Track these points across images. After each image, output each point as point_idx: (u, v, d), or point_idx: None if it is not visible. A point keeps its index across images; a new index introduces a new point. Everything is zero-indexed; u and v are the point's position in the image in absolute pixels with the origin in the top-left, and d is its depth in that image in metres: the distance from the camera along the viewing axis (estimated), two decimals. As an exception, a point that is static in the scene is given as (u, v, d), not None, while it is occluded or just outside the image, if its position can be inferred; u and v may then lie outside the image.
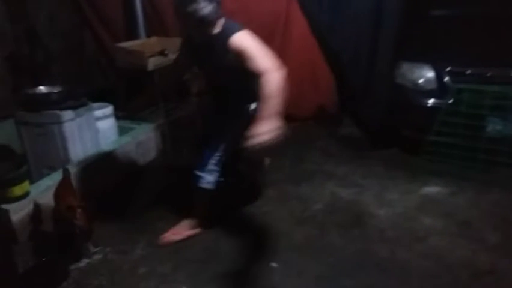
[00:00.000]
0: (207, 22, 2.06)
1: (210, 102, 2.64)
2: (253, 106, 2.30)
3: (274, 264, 2.28)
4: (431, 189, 2.93)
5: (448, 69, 3.17)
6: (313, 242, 2.46)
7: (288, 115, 4.10)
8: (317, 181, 3.11)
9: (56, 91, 2.97)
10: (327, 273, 2.21)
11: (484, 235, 2.43)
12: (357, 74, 3.87)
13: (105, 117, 3.36)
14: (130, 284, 2.17)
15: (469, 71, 3.11)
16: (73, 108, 2.97)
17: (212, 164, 2.39)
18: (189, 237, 2.49)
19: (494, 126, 3.03)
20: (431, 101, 3.20)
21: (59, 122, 2.90)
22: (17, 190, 2.41)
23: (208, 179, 2.39)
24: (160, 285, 2.16)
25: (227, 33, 2.12)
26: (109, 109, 3.41)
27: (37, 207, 2.18)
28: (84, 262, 2.34)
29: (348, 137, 3.85)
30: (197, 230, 2.53)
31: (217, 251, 2.39)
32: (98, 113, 3.28)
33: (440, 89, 3.19)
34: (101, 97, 3.47)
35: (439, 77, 3.20)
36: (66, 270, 2.23)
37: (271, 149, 1.86)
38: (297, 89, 4.17)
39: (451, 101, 3.09)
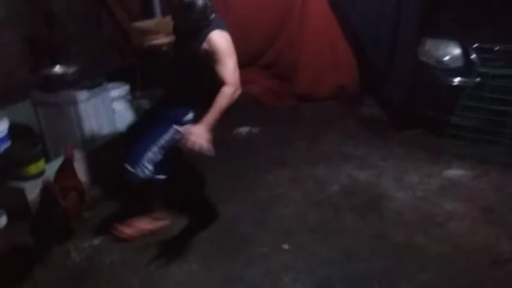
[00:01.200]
0: (199, 14, 2.08)
1: (163, 94, 2.58)
2: (191, 115, 2.25)
3: (286, 246, 2.24)
4: (454, 173, 2.80)
5: (475, 45, 2.98)
6: (327, 224, 2.40)
7: (307, 94, 4.11)
8: (334, 163, 3.03)
9: (71, 71, 2.98)
10: (339, 256, 2.15)
11: (508, 221, 2.31)
12: (379, 52, 3.72)
13: (121, 97, 3.37)
14: (141, 262, 2.17)
15: (497, 48, 2.92)
16: (88, 88, 2.98)
17: (146, 159, 2.18)
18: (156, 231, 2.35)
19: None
20: (457, 79, 3.04)
21: (74, 102, 2.91)
22: (33, 169, 2.44)
23: (140, 174, 2.18)
24: (170, 264, 2.15)
25: (213, 26, 2.12)
26: (125, 89, 3.41)
27: (46, 185, 2.19)
28: (98, 239, 2.36)
29: (369, 118, 3.73)
30: (159, 224, 2.38)
31: (230, 233, 2.36)
32: (114, 93, 3.29)
33: (466, 67, 3.03)
34: (118, 77, 3.47)
35: (465, 54, 3.03)
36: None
37: (198, 154, 1.95)
38: (315, 68, 4.07)
39: (477, 80, 2.93)
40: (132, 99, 3.51)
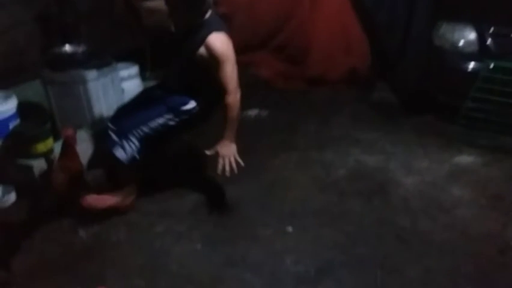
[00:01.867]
0: (198, 7, 2.07)
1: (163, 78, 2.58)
2: (191, 105, 2.25)
3: (289, 229, 2.24)
4: (464, 159, 2.75)
5: (491, 30, 2.89)
6: (333, 208, 2.39)
7: (318, 78, 4.06)
8: (343, 147, 3.00)
9: (80, 51, 2.98)
10: (342, 240, 2.15)
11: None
12: (392, 35, 3.64)
13: (130, 77, 3.37)
14: (147, 240, 2.20)
15: (514, 33, 2.84)
16: (98, 67, 2.98)
17: (132, 136, 2.20)
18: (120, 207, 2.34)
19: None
20: (471, 65, 2.97)
21: (83, 81, 2.92)
22: (41, 146, 2.47)
23: (123, 150, 2.19)
24: (175, 243, 2.18)
25: (209, 27, 2.08)
26: (134, 69, 3.40)
27: (50, 163, 2.21)
28: (105, 218, 2.39)
29: (380, 103, 3.67)
30: (125, 201, 2.36)
31: (234, 214, 2.37)
32: (123, 73, 3.29)
33: (481, 52, 2.94)
34: (128, 57, 3.46)
35: (481, 39, 2.94)
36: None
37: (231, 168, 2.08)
38: (327, 51, 4.00)
39: (491, 66, 2.85)
40: (142, 79, 3.51)
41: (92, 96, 2.99)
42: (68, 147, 2.33)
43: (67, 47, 3.03)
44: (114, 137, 2.21)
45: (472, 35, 3.00)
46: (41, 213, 2.26)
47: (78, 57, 2.94)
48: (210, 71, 2.09)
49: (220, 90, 2.12)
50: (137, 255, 2.10)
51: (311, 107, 3.69)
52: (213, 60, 2.05)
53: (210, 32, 2.06)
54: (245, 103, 3.49)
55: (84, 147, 2.59)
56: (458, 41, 3.04)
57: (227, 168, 2.08)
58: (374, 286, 1.87)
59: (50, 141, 2.53)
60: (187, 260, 2.05)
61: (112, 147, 2.22)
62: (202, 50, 2.07)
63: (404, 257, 2.02)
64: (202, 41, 2.06)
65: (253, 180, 2.64)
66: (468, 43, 3.00)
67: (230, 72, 2.06)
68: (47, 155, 2.49)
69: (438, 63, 3.16)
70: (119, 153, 2.22)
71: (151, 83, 3.62)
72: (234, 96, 2.08)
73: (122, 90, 3.26)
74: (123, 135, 2.20)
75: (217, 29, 2.08)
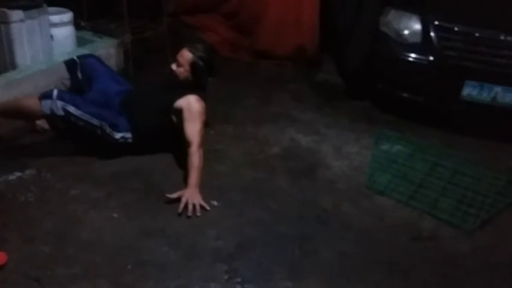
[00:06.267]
0: (204, 81, 2.56)
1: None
2: (123, 134, 2.39)
3: (215, 203, 2.19)
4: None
5: (436, 23, 2.94)
6: (261, 185, 2.37)
7: (265, 51, 3.97)
8: (280, 124, 2.97)
9: (4, -14, 2.66)
10: (267, 218, 2.14)
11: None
12: (344, 16, 3.61)
13: (62, 24, 3.09)
14: (58, 204, 2.06)
15: (456, 29, 2.90)
16: (24, 8, 2.73)
17: (66, 105, 2.26)
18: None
19: (470, 91, 2.89)
20: (413, 55, 3.01)
21: (6, 22, 2.67)
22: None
23: (52, 104, 2.24)
24: (89, 209, 2.05)
25: (195, 90, 2.46)
26: (67, 16, 3.12)
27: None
28: (15, 175, 2.21)
29: (323, 84, 3.68)
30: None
31: (159, 185, 2.26)
32: (54, 18, 3.01)
33: (423, 44, 2.99)
34: (61, 3, 3.16)
35: (425, 30, 2.98)
36: None
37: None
38: (277, 25, 3.92)
39: (431, 59, 2.92)
40: (76, 28, 3.23)
41: (14, 39, 2.74)
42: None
43: (-11, -18, 2.69)
44: (55, 93, 2.25)
45: (417, 26, 3.03)
46: None
47: (1, -7, 2.63)
48: (178, 123, 2.37)
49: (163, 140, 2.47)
50: (46, 219, 1.96)
51: (255, 81, 3.61)
52: (188, 114, 2.34)
53: (193, 92, 2.43)
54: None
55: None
56: (403, 30, 3.07)
57: (190, 208, 2.08)
58: (290, 265, 1.88)
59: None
60: (100, 229, 1.95)
61: (44, 96, 2.26)
62: (182, 101, 2.37)
63: (322, 238, 2.04)
64: (185, 95, 2.39)
65: (184, 150, 2.54)
66: (412, 33, 3.03)
67: (199, 129, 2.32)
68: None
69: (381, 49, 3.18)
70: (45, 103, 2.25)
71: (85, 33, 3.38)
72: (198, 149, 2.26)
73: (51, 37, 2.99)
74: (63, 100, 2.25)
75: (200, 95, 2.44)
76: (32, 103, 2.27)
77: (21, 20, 2.72)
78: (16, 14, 2.68)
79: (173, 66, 2.53)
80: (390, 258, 1.99)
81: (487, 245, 2.11)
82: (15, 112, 2.36)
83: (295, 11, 3.88)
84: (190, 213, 2.08)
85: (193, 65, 2.50)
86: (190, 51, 2.52)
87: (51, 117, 2.27)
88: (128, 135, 2.41)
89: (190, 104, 2.37)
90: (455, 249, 2.07)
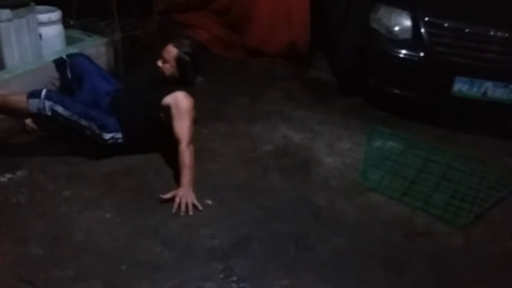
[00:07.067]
0: (192, 78, 2.50)
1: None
2: (113, 135, 2.37)
3: (209, 202, 2.18)
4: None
5: (426, 19, 2.95)
6: (254, 183, 2.36)
7: (256, 49, 3.96)
8: (272, 122, 2.97)
9: (-9, -15, 2.62)
10: (261, 216, 2.13)
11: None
12: (334, 13, 3.62)
13: (51, 22, 3.05)
14: (51, 205, 2.03)
15: (446, 25, 2.91)
16: (12, 7, 2.69)
17: (54, 105, 2.21)
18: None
19: (461, 87, 2.91)
20: (403, 51, 3.02)
21: (-7, 21, 2.61)
22: None
23: (39, 103, 2.19)
24: (83, 210, 2.03)
25: (183, 87, 2.40)
26: (56, 14, 3.09)
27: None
28: (6, 177, 2.17)
29: (314, 81, 3.68)
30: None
31: (153, 184, 2.25)
32: (42, 17, 2.98)
33: (414, 40, 3.00)
34: (50, 0, 3.12)
35: (416, 26, 2.99)
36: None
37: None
38: (268, 23, 3.92)
39: (422, 55, 2.93)
40: (64, 27, 3.19)
41: (2, 38, 2.70)
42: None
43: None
44: (44, 93, 2.20)
45: (407, 22, 3.03)
46: None
47: (-12, -8, 2.59)
48: (167, 120, 2.33)
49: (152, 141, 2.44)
50: (39, 220, 1.93)
51: (246, 78, 3.60)
52: (176, 111, 2.29)
53: (182, 89, 2.37)
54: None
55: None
56: (394, 26, 3.07)
57: (183, 207, 2.08)
58: (285, 263, 1.88)
59: None
60: (94, 229, 1.93)
61: (32, 95, 2.21)
62: (169, 99, 2.33)
63: (317, 235, 2.05)
64: (172, 91, 2.34)
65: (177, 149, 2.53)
66: (402, 30, 3.04)
67: (188, 126, 2.28)
68: None
69: (371, 45, 3.19)
70: (33, 102, 2.20)
71: (74, 32, 3.34)
72: (188, 146, 2.23)
73: (40, 36, 2.95)
74: (51, 100, 2.20)
75: (189, 92, 2.39)
76: (20, 100, 2.22)
77: (9, 19, 2.69)
78: (3, 13, 2.65)
79: (159, 63, 2.48)
80: (385, 254, 2.00)
81: (480, 240, 2.13)
82: (0, 107, 2.29)
83: (286, 8, 3.88)
84: (183, 213, 2.07)
85: (178, 61, 2.44)
86: (176, 46, 2.46)
87: (38, 116, 2.24)
88: (119, 135, 2.38)
89: (178, 101, 2.32)
90: (448, 244, 2.09)
